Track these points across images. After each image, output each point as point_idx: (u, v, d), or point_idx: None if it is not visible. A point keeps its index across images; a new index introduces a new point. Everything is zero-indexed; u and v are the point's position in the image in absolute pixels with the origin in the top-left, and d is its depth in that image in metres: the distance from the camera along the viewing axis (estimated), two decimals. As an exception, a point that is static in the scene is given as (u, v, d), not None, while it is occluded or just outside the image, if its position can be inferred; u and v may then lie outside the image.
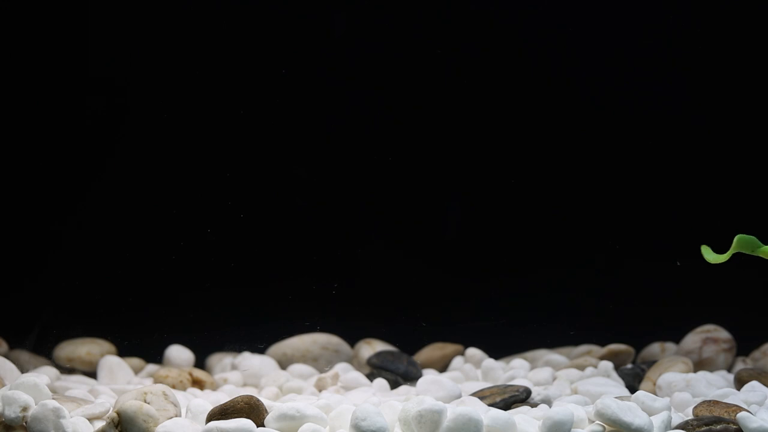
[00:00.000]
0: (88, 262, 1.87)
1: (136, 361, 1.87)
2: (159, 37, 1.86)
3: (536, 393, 1.63)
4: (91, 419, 1.46)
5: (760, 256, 1.51)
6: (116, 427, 1.42)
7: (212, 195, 1.87)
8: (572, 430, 1.41)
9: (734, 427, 1.42)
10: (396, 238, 1.92)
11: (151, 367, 1.86)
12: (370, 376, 1.80)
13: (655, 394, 1.62)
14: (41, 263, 1.88)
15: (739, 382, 1.68)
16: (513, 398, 1.59)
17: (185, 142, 1.87)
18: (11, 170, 1.87)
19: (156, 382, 1.75)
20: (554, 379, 1.75)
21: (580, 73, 1.91)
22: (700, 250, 1.78)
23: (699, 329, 1.88)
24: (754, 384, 1.60)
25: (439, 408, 1.39)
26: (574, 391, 1.67)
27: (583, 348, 1.90)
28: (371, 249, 1.92)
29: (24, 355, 1.83)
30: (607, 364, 1.77)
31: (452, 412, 1.39)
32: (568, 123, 1.91)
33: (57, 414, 1.40)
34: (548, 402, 1.61)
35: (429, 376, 1.69)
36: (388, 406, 1.45)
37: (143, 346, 1.87)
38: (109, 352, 1.87)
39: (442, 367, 1.89)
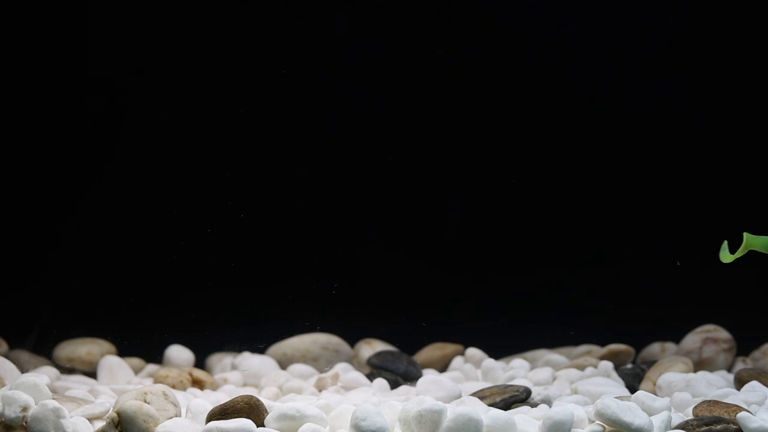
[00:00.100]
0: (88, 262, 1.87)
1: (136, 361, 1.87)
2: (159, 37, 1.86)
3: (536, 393, 1.63)
4: (91, 419, 1.46)
5: None
6: (116, 427, 1.42)
7: (212, 195, 1.87)
8: (572, 430, 1.41)
9: (734, 427, 1.42)
10: (396, 238, 1.92)
11: (151, 367, 1.86)
12: (370, 376, 1.80)
13: (655, 394, 1.62)
14: (41, 263, 1.88)
15: (739, 382, 1.68)
16: (513, 398, 1.59)
17: (185, 142, 1.87)
18: (11, 170, 1.87)
19: (156, 382, 1.75)
20: (554, 379, 1.75)
21: (580, 73, 1.91)
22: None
23: (699, 329, 1.88)
24: (754, 384, 1.60)
25: (439, 408, 1.39)
26: (574, 391, 1.67)
27: (583, 348, 1.90)
28: (371, 249, 1.92)
29: (24, 355, 1.83)
30: (607, 364, 1.77)
31: (452, 412, 1.39)
32: (568, 123, 1.91)
33: (57, 414, 1.41)
34: (548, 402, 1.61)
35: (429, 376, 1.69)
36: (388, 406, 1.45)
37: (143, 346, 1.87)
38: (109, 352, 1.87)
39: (442, 367, 1.89)
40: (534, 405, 1.57)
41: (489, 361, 1.82)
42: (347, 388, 1.75)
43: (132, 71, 1.88)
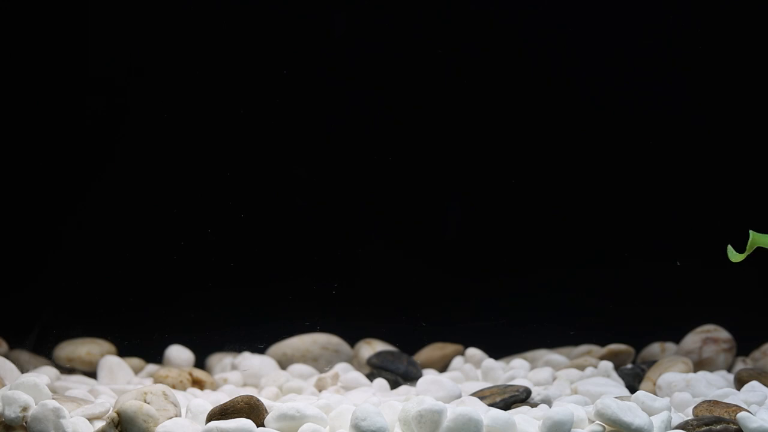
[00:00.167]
0: (88, 262, 1.87)
1: (136, 361, 1.87)
2: (159, 37, 1.86)
3: (536, 393, 1.63)
4: (91, 419, 1.46)
5: None
6: (116, 427, 1.42)
7: (212, 195, 1.87)
8: (572, 430, 1.41)
9: (734, 427, 1.42)
10: (396, 238, 1.92)
11: (151, 367, 1.86)
12: (370, 376, 1.80)
13: (655, 394, 1.62)
14: (41, 263, 1.88)
15: (739, 382, 1.68)
16: (513, 398, 1.59)
17: (185, 142, 1.87)
18: (11, 170, 1.87)
19: (156, 382, 1.75)
20: (554, 379, 1.75)
21: (579, 73, 1.91)
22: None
23: (699, 329, 1.88)
24: (754, 384, 1.60)
25: (439, 408, 1.39)
26: (574, 391, 1.67)
27: (583, 348, 1.90)
28: (371, 249, 1.92)
29: (24, 355, 1.83)
30: (607, 364, 1.77)
31: (452, 412, 1.39)
32: (568, 123, 1.91)
33: (57, 414, 1.40)
34: (548, 402, 1.61)
35: (429, 376, 1.69)
36: (388, 406, 1.45)
37: (143, 346, 1.87)
38: (109, 352, 1.87)
39: (442, 367, 1.89)
40: (534, 405, 1.57)
41: (489, 361, 1.81)
42: (347, 388, 1.75)
43: (132, 71, 1.88)
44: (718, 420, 1.43)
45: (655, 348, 1.92)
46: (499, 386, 1.62)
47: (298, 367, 1.85)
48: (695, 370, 1.79)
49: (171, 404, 1.48)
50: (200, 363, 1.90)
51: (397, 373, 1.81)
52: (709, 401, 1.51)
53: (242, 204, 1.85)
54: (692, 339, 1.88)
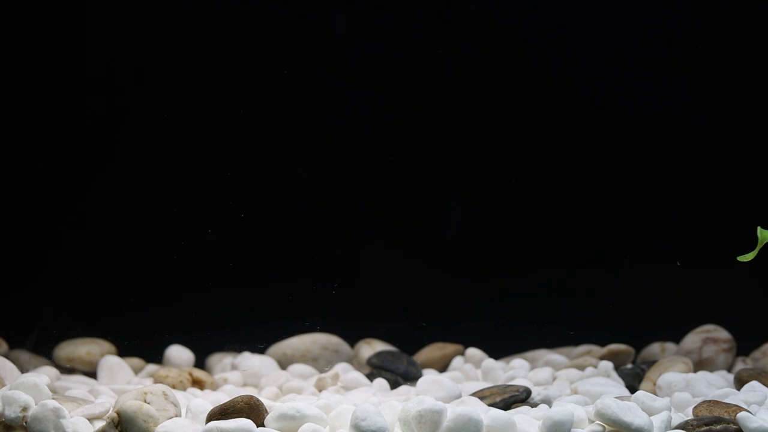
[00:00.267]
0: (88, 262, 1.87)
1: (136, 361, 1.87)
2: (159, 37, 1.86)
3: (536, 393, 1.63)
4: (91, 419, 1.46)
5: None
6: (116, 427, 1.42)
7: (212, 195, 1.87)
8: (572, 430, 1.41)
9: (734, 427, 1.42)
10: (396, 238, 1.92)
11: (151, 367, 1.86)
12: (370, 376, 1.80)
13: (655, 394, 1.62)
14: (41, 263, 1.88)
15: (739, 382, 1.68)
16: (513, 398, 1.59)
17: (185, 142, 1.87)
18: (11, 170, 1.87)
19: (156, 382, 1.75)
20: (554, 379, 1.75)
21: (580, 73, 1.91)
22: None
23: (699, 329, 1.88)
24: (754, 384, 1.60)
25: (439, 408, 1.39)
26: (574, 391, 1.67)
27: (583, 348, 1.90)
28: (371, 249, 1.92)
29: (24, 355, 1.83)
30: (607, 364, 1.77)
31: (452, 412, 1.39)
32: (568, 123, 1.91)
33: (57, 414, 1.40)
34: (548, 402, 1.61)
35: (429, 376, 1.69)
36: (388, 406, 1.45)
37: (143, 346, 1.87)
38: (109, 352, 1.87)
39: (442, 367, 1.89)
40: (534, 405, 1.57)
41: (489, 361, 1.81)
42: (347, 388, 1.75)
43: (132, 71, 1.88)
44: (718, 420, 1.43)
45: (655, 348, 1.92)
46: (499, 386, 1.62)
47: (298, 367, 1.85)
48: (695, 370, 1.79)
49: (171, 404, 1.48)
50: (200, 363, 1.90)
51: (397, 373, 1.81)
52: (709, 401, 1.51)
53: (242, 204, 1.85)
54: (692, 339, 1.88)
